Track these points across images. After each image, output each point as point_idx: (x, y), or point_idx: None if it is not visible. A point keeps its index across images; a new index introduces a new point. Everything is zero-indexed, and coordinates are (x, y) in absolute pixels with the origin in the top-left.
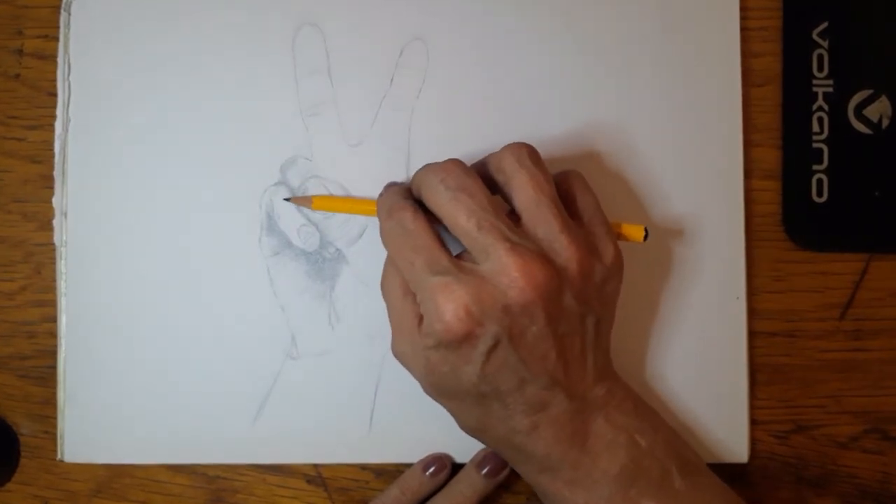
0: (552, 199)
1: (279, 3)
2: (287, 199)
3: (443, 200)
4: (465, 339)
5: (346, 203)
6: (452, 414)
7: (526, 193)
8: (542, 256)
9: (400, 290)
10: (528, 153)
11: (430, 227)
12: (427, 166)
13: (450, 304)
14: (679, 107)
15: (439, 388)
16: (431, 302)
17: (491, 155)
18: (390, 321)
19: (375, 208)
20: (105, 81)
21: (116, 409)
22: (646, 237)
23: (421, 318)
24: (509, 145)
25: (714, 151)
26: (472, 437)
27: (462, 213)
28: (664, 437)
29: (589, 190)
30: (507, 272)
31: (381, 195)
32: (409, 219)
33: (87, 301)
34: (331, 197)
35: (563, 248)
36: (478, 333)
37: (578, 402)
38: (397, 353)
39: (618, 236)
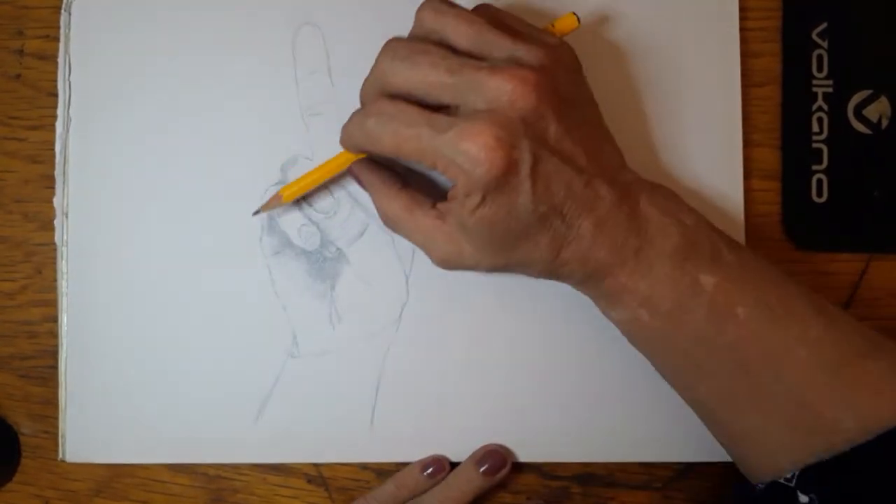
0: (488, 25)
1: (279, 3)
2: (256, 213)
3: (403, 72)
4: (508, 169)
5: (316, 172)
6: (526, 265)
7: (462, 32)
8: (521, 65)
9: (404, 209)
10: (439, 2)
11: (410, 102)
12: (373, 65)
13: (478, 141)
14: (679, 107)
15: (504, 242)
16: (460, 153)
17: (410, 30)
18: (418, 243)
19: (345, 155)
20: (106, 81)
21: (117, 408)
22: (579, 21)
23: (439, 216)
24: (418, 8)
25: (714, 152)
26: (554, 279)
27: (427, 69)
28: (704, 218)
29: (503, 11)
30: (503, 90)
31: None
32: (387, 104)
33: (88, 301)
34: (297, 180)
35: (527, 53)
36: (516, 157)
37: (617, 187)
38: (443, 261)
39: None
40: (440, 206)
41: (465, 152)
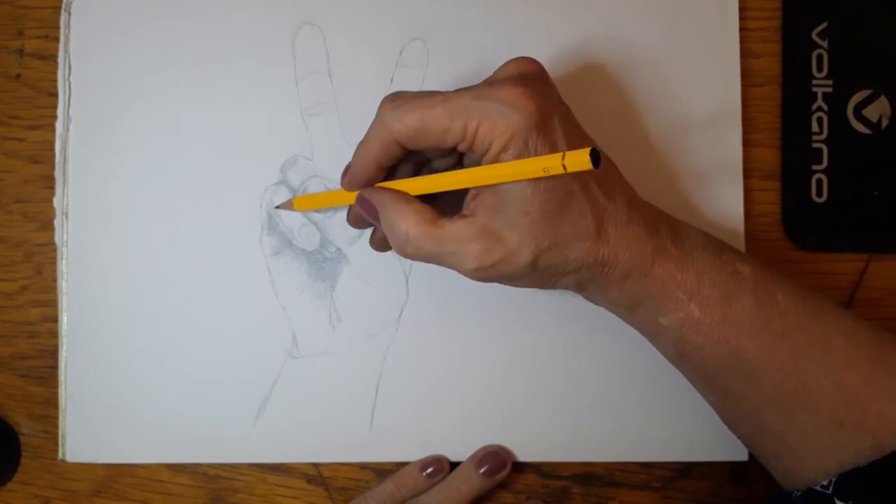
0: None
1: (279, 3)
2: (277, 207)
3: None
4: (542, 110)
5: (331, 196)
6: (570, 243)
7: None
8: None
9: (427, 222)
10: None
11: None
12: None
13: (512, 90)
14: (679, 107)
15: (547, 206)
16: (493, 101)
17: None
18: (448, 256)
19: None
20: (105, 81)
21: (117, 408)
22: (595, 162)
23: (466, 215)
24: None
25: (713, 151)
26: (597, 279)
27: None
28: None
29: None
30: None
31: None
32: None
33: (87, 301)
34: (311, 195)
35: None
36: (547, 105)
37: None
38: (481, 264)
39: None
40: (466, 208)
41: (500, 99)
